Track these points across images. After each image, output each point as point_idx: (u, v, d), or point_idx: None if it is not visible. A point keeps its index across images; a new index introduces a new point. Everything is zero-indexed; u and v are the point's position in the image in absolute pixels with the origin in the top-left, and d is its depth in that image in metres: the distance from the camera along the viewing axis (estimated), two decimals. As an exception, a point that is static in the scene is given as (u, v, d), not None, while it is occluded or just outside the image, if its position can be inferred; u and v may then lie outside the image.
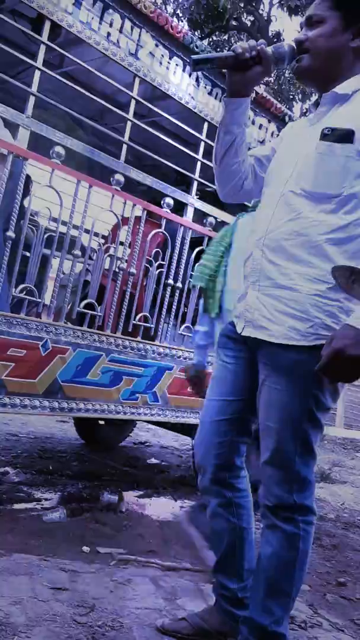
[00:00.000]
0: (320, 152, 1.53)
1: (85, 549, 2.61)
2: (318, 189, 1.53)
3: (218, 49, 11.00)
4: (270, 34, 11.60)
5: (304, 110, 12.17)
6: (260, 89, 3.97)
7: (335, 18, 1.56)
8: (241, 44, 1.56)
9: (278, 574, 1.58)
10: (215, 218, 3.77)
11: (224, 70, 1.67)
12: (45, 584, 1.98)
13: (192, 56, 1.57)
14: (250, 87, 1.66)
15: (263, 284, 1.60)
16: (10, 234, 2.69)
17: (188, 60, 3.46)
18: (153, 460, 5.09)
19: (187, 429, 4.17)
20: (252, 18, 11.69)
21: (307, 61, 1.60)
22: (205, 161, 3.59)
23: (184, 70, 3.46)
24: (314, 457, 1.61)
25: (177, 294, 3.53)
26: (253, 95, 3.83)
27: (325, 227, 1.52)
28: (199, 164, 3.65)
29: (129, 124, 3.24)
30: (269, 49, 1.57)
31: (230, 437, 1.73)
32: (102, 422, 4.99)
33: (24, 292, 2.78)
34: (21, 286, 2.78)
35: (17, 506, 3.19)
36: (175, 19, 3.32)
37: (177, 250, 3.50)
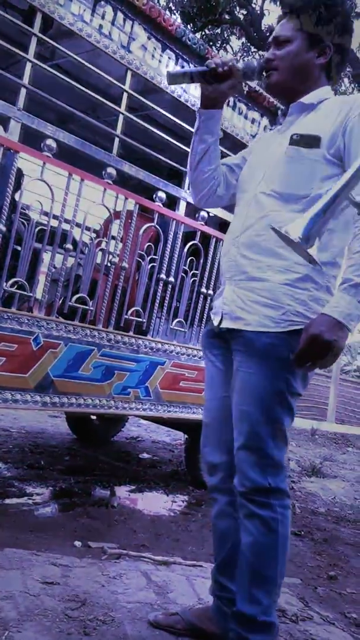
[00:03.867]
0: (290, 155, 1.65)
1: (77, 543, 2.61)
2: (287, 189, 1.64)
3: (211, 43, 10.98)
4: (263, 27, 11.54)
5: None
6: (253, 83, 3.96)
7: (300, 38, 1.69)
8: (214, 60, 1.70)
9: (261, 562, 1.60)
10: (207, 212, 3.76)
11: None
12: (37, 579, 1.98)
13: (168, 71, 1.77)
14: (222, 99, 1.81)
15: (238, 277, 1.69)
16: (1, 227, 2.67)
17: (180, 54, 3.45)
18: (145, 455, 5.10)
19: (179, 424, 4.18)
20: (245, 12, 11.62)
21: (275, 77, 1.73)
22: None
23: (176, 63, 3.44)
24: (286, 442, 1.66)
25: (169, 289, 3.52)
26: (246, 89, 3.85)
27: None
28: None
29: (121, 117, 3.23)
30: (240, 65, 1.72)
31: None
32: (94, 417, 4.98)
33: (15, 287, 2.77)
34: (12, 280, 2.76)
35: (8, 501, 3.19)
36: (168, 12, 3.30)
37: (169, 245, 3.49)
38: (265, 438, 1.60)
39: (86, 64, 3.03)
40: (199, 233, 3.67)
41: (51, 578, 2.01)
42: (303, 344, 1.47)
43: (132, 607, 1.90)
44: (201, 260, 3.71)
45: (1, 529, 2.66)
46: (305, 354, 1.48)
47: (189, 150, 3.57)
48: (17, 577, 1.96)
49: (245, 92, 3.85)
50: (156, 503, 3.72)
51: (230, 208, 3.99)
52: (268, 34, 11.10)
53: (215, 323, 1.76)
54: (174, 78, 1.72)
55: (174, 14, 11.13)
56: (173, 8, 11.33)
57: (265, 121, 4.12)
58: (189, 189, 3.66)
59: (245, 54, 12.32)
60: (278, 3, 10.68)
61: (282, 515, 1.61)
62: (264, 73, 1.73)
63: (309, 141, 1.62)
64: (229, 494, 1.77)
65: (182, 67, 3.47)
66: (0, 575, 1.95)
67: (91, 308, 3.09)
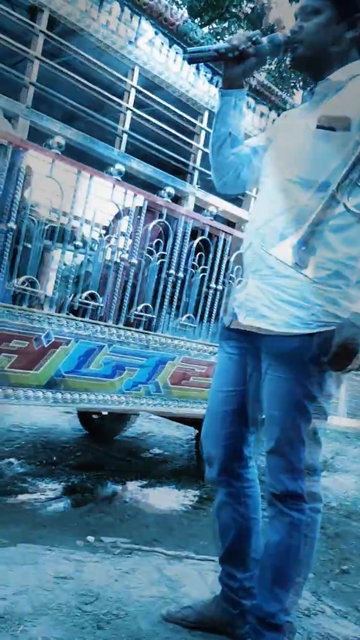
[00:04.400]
0: (316, 139, 1.53)
1: (90, 538, 2.63)
2: (314, 176, 1.53)
3: (218, 37, 10.92)
4: (270, 20, 11.50)
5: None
6: (261, 76, 3.94)
7: (329, 8, 1.55)
8: (236, 36, 1.58)
9: (285, 562, 1.59)
10: (216, 207, 3.76)
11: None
12: (50, 574, 1.99)
13: (187, 49, 1.60)
14: (245, 78, 1.69)
15: (263, 272, 1.60)
16: (12, 225, 2.68)
17: (184, 53, 3.43)
18: (156, 451, 5.11)
19: (189, 419, 4.18)
20: (252, 5, 11.58)
21: (301, 51, 1.60)
22: (206, 150, 3.57)
23: (183, 58, 3.42)
24: (319, 445, 1.61)
25: (178, 284, 3.52)
26: (254, 83, 3.83)
27: None
28: (199, 153, 3.63)
29: (128, 113, 3.22)
30: (264, 40, 1.59)
31: (237, 428, 1.74)
32: (104, 413, 5.00)
33: (26, 284, 2.78)
34: (23, 278, 2.77)
35: (21, 497, 3.21)
36: (174, 7, 3.28)
37: (178, 240, 3.49)
38: (297, 443, 1.56)
39: (93, 60, 3.03)
40: (207, 228, 3.66)
41: (64, 573, 2.03)
42: (335, 348, 1.40)
43: (145, 602, 1.91)
44: (210, 255, 3.70)
45: (15, 524, 2.68)
46: (337, 357, 1.41)
47: (197, 145, 3.59)
48: (31, 572, 1.98)
49: (253, 85, 3.83)
50: (167, 498, 3.74)
51: (239, 202, 4.00)
52: (275, 27, 11.05)
53: (240, 319, 1.67)
54: (194, 57, 1.63)
55: (181, 9, 11.09)
56: (180, 2, 11.30)
57: (274, 115, 4.10)
58: (197, 184, 3.68)
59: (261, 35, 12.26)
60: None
61: (312, 518, 1.59)
62: (289, 47, 1.60)
63: (337, 123, 1.50)
64: (227, 486, 1.76)
65: (189, 63, 3.45)
66: (14, 570, 1.96)
67: (101, 304, 3.10)
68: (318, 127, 1.53)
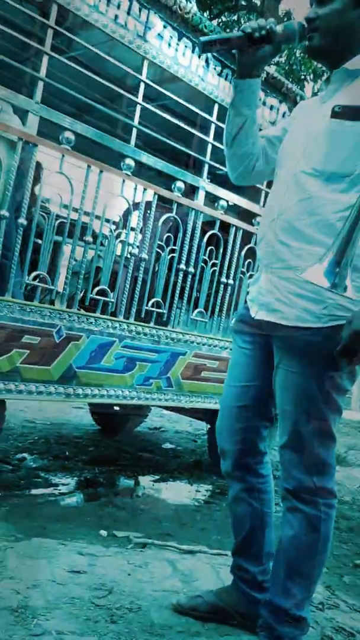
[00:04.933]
0: (332, 130, 1.51)
1: (103, 532, 2.64)
2: (329, 167, 1.51)
3: (227, 30, 10.85)
4: (280, 13, 11.39)
5: (316, 91, 11.99)
6: (271, 69, 3.91)
7: None
8: (251, 24, 1.54)
9: (299, 557, 1.58)
10: (227, 201, 3.74)
11: (233, 51, 1.66)
12: (64, 568, 2.01)
13: (201, 38, 1.57)
14: (260, 67, 1.66)
15: (276, 266, 1.59)
16: (22, 221, 2.69)
17: (197, 42, 3.41)
18: (168, 445, 5.12)
19: (200, 414, 4.18)
20: (262, -3, 11.49)
21: (318, 39, 1.57)
22: (216, 143, 3.55)
23: (193, 51, 3.41)
24: (334, 440, 1.59)
25: (189, 279, 3.51)
26: (264, 75, 3.80)
27: (337, 205, 1.50)
28: (209, 146, 3.61)
29: (138, 107, 3.21)
30: (279, 28, 1.56)
31: (251, 422, 1.73)
32: (116, 408, 5.02)
33: (37, 280, 2.79)
34: (34, 273, 2.78)
35: (34, 491, 3.23)
36: (183, 0, 3.26)
37: (188, 235, 3.48)
38: (310, 438, 1.55)
39: (102, 54, 3.02)
40: (218, 222, 3.65)
41: (78, 567, 2.04)
42: (346, 340, 1.37)
43: (158, 596, 1.92)
44: (221, 250, 3.69)
45: (28, 519, 2.70)
46: (348, 350, 1.38)
47: (207, 139, 3.58)
48: (44, 566, 1.99)
49: (263, 78, 3.80)
50: (180, 492, 3.74)
51: (251, 197, 3.98)
52: (285, 19, 10.96)
53: (253, 313, 1.67)
54: (207, 46, 1.58)
55: (190, 2, 11.03)
56: (188, -5, 11.23)
57: (284, 107, 4.07)
58: (208, 177, 3.67)
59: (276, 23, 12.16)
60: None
61: (326, 514, 1.58)
62: (305, 35, 1.57)
63: (354, 113, 1.47)
64: (242, 481, 1.76)
65: (200, 56, 3.43)
66: (28, 564, 1.97)
67: (112, 300, 3.10)
68: (332, 116, 1.51)
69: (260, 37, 1.55)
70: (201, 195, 3.64)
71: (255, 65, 1.64)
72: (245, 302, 1.77)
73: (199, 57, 3.44)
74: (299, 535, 1.58)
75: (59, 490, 3.33)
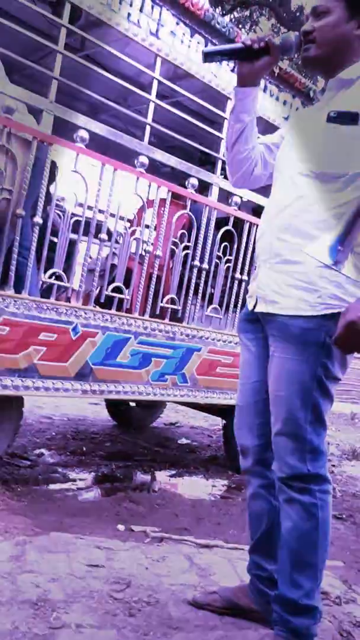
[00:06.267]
0: (327, 134, 1.59)
1: (120, 527, 2.67)
2: (325, 169, 1.59)
3: (239, 26, 10.81)
4: (293, 7, 11.31)
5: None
6: (284, 64, 3.90)
7: (340, 8, 1.61)
8: (250, 37, 1.68)
9: (301, 547, 1.60)
10: (241, 197, 3.74)
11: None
12: (82, 562, 2.03)
13: (203, 49, 1.72)
14: (259, 76, 1.76)
15: (273, 261, 1.66)
16: (38, 219, 2.71)
17: (209, 38, 3.41)
18: (184, 441, 5.14)
19: (216, 410, 4.20)
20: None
21: (313, 51, 1.65)
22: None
23: (202, 57, 3.40)
24: (325, 427, 1.64)
25: (203, 275, 3.52)
26: (277, 71, 3.79)
27: (333, 202, 1.58)
28: (223, 142, 3.61)
29: (151, 104, 3.22)
30: (277, 40, 1.66)
31: (269, 417, 1.75)
32: (133, 404, 5.05)
33: (53, 277, 2.82)
34: (50, 271, 2.81)
35: (52, 486, 3.27)
36: (195, -4, 3.26)
37: (202, 231, 3.49)
38: (303, 424, 1.58)
39: (116, 52, 3.03)
40: (232, 219, 3.65)
41: (96, 561, 2.06)
42: (340, 330, 1.43)
43: (176, 589, 1.94)
44: (235, 246, 3.69)
45: (47, 513, 2.73)
46: (342, 339, 1.44)
47: (220, 135, 3.58)
48: (63, 560, 2.01)
49: (276, 73, 3.79)
50: (196, 487, 3.76)
51: (264, 192, 3.97)
52: (298, 13, 10.88)
53: (250, 307, 1.75)
54: (209, 56, 1.71)
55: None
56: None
57: (297, 102, 4.05)
58: (221, 174, 3.67)
59: (275, 35, 12.10)
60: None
61: (322, 500, 1.60)
62: (301, 47, 1.66)
63: (347, 118, 1.56)
64: (261, 477, 1.78)
65: (205, 61, 3.42)
66: (47, 559, 2.00)
67: (127, 297, 3.12)
68: (328, 121, 1.59)
69: (259, 49, 1.66)
70: (215, 191, 3.64)
71: (254, 75, 1.74)
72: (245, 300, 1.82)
73: (205, 62, 3.44)
74: (298, 526, 1.60)
75: (77, 485, 3.36)
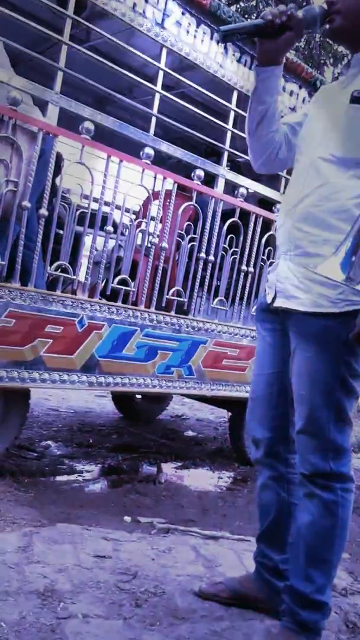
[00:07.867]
0: (350, 116, 1.50)
1: (127, 518, 2.68)
2: (348, 154, 1.51)
3: (246, 16, 10.70)
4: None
5: (335, 75, 11.79)
6: (291, 54, 3.86)
7: None
8: (271, 10, 1.52)
9: (318, 542, 1.59)
10: (247, 189, 3.73)
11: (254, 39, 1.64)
12: (89, 553, 2.04)
13: (220, 27, 1.55)
14: (282, 54, 1.63)
15: (293, 252, 1.60)
16: (44, 212, 2.71)
17: (216, 29, 3.38)
18: (190, 433, 5.15)
19: (222, 402, 4.20)
20: (280, -20, 11.29)
21: (339, 22, 1.54)
22: (235, 131, 3.54)
23: (211, 38, 3.38)
24: (350, 425, 1.60)
25: (209, 268, 3.51)
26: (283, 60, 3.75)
27: (355, 191, 1.50)
28: (229, 134, 3.60)
29: (157, 96, 3.21)
30: (300, 13, 1.54)
31: (282, 409, 1.74)
32: (139, 396, 5.06)
33: (59, 270, 2.82)
34: (56, 264, 2.81)
35: (59, 478, 3.28)
36: (201, -14, 3.23)
37: (208, 223, 3.48)
38: (326, 423, 1.55)
39: (121, 43, 3.01)
40: (238, 210, 3.64)
41: (103, 552, 2.07)
42: (358, 327, 1.39)
43: (182, 580, 1.94)
44: (241, 238, 3.68)
45: (54, 505, 2.74)
46: None
47: (226, 126, 3.55)
48: (70, 551, 2.02)
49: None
50: (202, 479, 3.77)
51: (270, 184, 3.96)
52: (305, 3, 10.77)
53: (269, 300, 1.68)
54: (227, 36, 1.56)
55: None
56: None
57: (304, 93, 4.02)
58: (227, 165, 3.66)
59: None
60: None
61: (344, 498, 1.58)
62: (326, 19, 1.54)
63: None
64: (271, 469, 1.77)
65: (218, 42, 3.40)
66: (54, 549, 2.01)
67: (133, 289, 3.12)
68: (351, 102, 1.50)
69: (281, 24, 1.53)
70: (221, 183, 3.62)
71: (277, 53, 1.62)
72: (265, 289, 1.78)
73: (218, 44, 3.42)
74: (317, 521, 1.58)
75: (83, 477, 3.38)
